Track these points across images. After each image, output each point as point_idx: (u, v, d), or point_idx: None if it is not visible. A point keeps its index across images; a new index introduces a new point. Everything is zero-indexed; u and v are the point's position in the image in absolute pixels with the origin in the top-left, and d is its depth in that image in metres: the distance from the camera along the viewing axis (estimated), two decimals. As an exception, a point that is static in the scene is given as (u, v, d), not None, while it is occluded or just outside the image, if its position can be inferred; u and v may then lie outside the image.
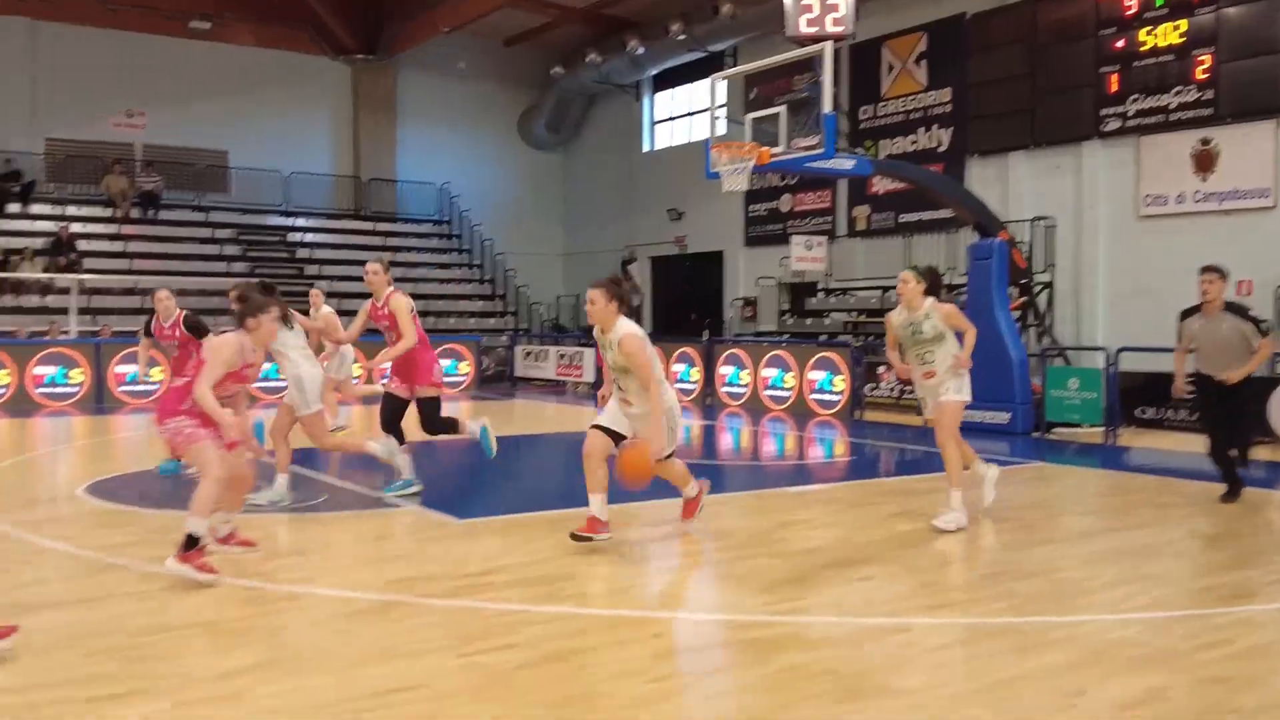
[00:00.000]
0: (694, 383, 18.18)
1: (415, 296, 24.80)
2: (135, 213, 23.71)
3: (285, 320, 7.55)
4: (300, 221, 25.68)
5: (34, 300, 20.85)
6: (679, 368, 18.44)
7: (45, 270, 20.77)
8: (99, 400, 16.94)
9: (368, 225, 26.66)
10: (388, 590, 5.58)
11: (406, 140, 27.67)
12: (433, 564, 6.26)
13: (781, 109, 12.05)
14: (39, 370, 16.76)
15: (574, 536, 6.48)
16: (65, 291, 19.86)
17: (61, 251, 21.19)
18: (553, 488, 9.76)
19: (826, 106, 11.48)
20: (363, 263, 24.66)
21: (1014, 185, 18.44)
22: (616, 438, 6.55)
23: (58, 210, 23.02)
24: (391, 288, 8.24)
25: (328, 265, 24.54)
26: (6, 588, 5.70)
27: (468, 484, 9.87)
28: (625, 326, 6.39)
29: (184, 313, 9.26)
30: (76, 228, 22.33)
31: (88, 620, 5.08)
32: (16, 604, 5.27)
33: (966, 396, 7.42)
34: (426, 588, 5.64)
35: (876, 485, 9.77)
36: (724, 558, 6.54)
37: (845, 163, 12.45)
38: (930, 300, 7.38)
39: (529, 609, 5.30)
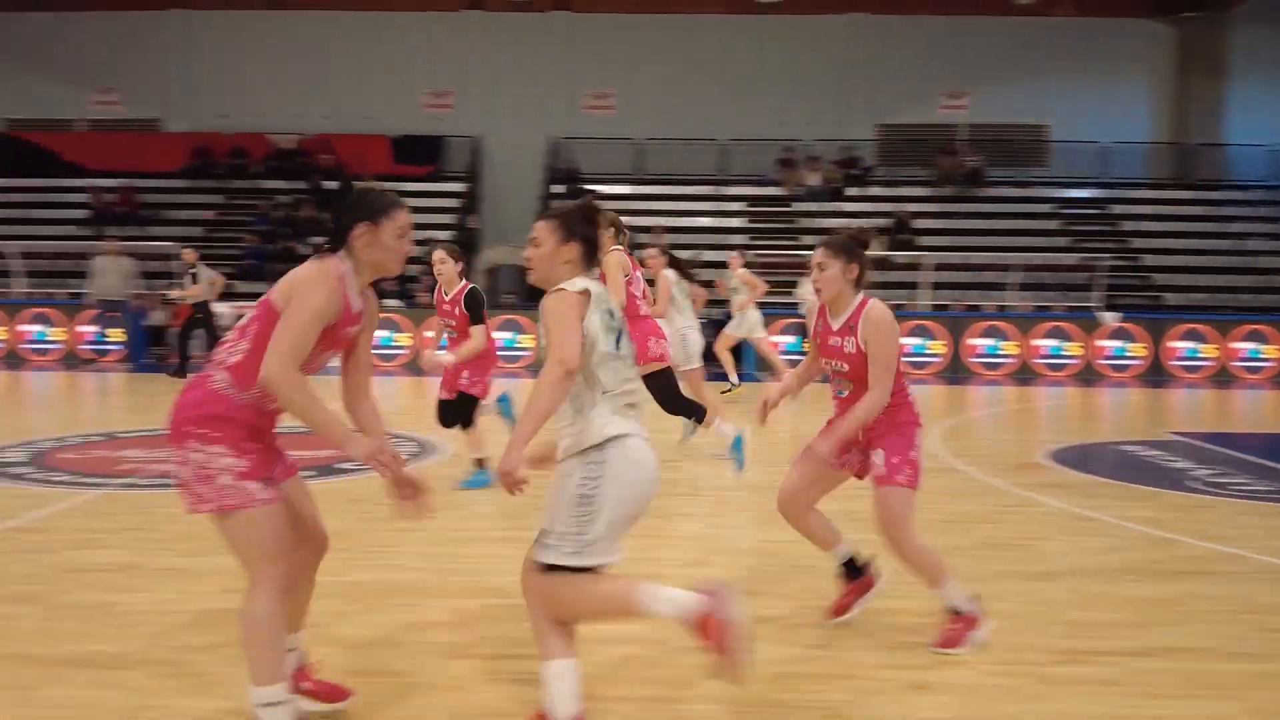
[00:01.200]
0: None
1: (1239, 271, 22.66)
2: (959, 191, 24.89)
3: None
4: (1120, 193, 24.86)
5: (875, 276, 22.86)
6: None
7: (887, 249, 22.66)
8: (954, 370, 17.94)
9: (1191, 194, 24.93)
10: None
11: (1236, 99, 25.34)
12: None
13: None
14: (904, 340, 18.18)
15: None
16: (910, 268, 21.37)
17: (901, 230, 22.98)
18: None
19: None
20: (1190, 235, 23.56)
21: None
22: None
23: (889, 191, 25.05)
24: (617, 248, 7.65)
25: (1152, 238, 23.47)
26: (1061, 552, 6.06)
27: None
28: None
29: (469, 286, 7.17)
30: (910, 207, 24.06)
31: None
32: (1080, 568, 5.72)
33: None
34: None
35: None
36: None
37: None
38: None
39: None
